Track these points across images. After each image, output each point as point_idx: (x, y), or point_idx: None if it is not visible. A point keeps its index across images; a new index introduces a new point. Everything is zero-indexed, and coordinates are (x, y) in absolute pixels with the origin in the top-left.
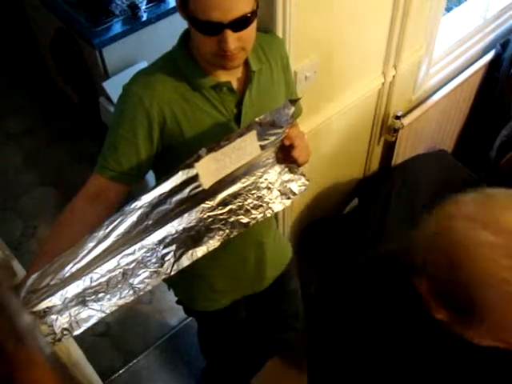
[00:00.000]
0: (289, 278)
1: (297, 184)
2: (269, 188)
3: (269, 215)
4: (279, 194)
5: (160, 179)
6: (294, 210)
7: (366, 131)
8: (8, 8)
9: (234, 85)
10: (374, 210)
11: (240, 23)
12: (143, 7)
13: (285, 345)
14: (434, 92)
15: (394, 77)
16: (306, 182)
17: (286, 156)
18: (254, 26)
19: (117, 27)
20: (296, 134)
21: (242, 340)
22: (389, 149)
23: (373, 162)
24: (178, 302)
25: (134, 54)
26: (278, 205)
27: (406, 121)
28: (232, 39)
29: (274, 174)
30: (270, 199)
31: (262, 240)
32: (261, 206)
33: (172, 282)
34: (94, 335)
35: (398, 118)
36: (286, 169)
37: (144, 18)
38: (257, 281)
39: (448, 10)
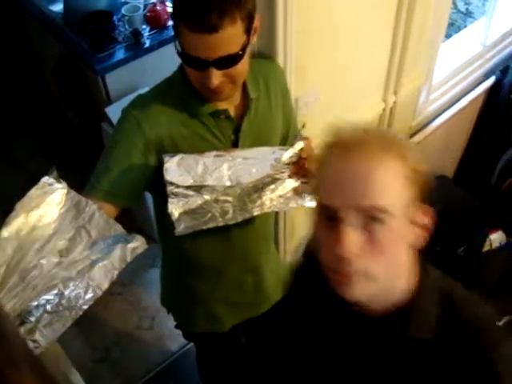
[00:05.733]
0: None
1: (308, 198)
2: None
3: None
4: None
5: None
6: (295, 235)
7: None
8: (11, 33)
9: (232, 112)
10: None
11: (225, 63)
12: (146, 34)
13: None
14: (434, 118)
15: (394, 103)
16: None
17: (299, 170)
18: (243, 62)
19: (120, 53)
20: (310, 146)
21: (241, 365)
22: None
23: None
24: (176, 327)
25: (136, 80)
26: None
27: None
28: (216, 76)
29: (289, 183)
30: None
31: (259, 265)
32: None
33: (171, 306)
34: (93, 361)
35: None
36: (299, 182)
37: (147, 45)
38: (256, 305)
39: (448, 36)
